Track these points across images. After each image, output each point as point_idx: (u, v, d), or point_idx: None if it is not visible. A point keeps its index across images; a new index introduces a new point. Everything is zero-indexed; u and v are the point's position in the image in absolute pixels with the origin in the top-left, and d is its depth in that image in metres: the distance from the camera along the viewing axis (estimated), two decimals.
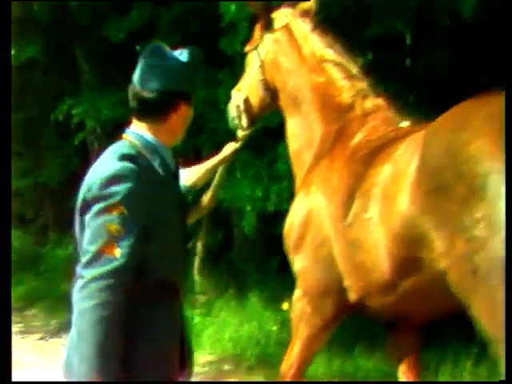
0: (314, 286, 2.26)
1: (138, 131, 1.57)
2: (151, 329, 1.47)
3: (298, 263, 2.31)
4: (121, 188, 1.44)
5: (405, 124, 2.22)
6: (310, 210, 2.28)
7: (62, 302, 5.67)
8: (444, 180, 1.70)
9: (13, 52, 6.13)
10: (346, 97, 2.36)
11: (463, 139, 1.67)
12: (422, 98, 4.22)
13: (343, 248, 2.11)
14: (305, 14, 2.47)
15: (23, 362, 4.31)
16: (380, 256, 1.97)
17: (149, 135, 1.56)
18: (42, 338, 4.99)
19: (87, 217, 1.46)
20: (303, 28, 2.45)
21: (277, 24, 2.49)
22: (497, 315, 1.58)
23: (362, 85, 2.38)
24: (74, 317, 1.43)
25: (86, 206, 1.47)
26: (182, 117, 1.58)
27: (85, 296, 1.40)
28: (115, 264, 1.41)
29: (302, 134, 2.47)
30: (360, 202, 2.05)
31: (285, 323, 4.17)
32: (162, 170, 1.54)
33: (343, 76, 2.38)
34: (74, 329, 1.44)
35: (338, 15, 4.08)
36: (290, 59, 2.46)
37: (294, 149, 2.51)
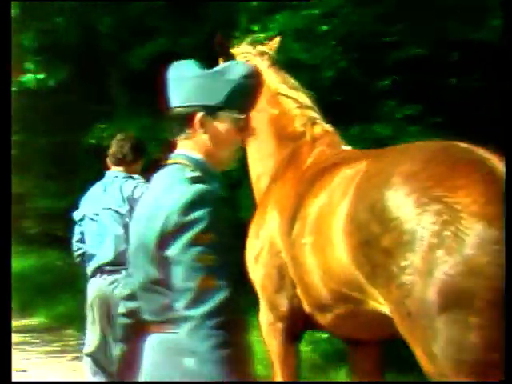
0: (272, 292, 2.47)
1: (185, 152, 1.46)
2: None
3: (258, 273, 2.53)
4: (204, 213, 1.33)
5: (348, 148, 2.54)
6: (266, 227, 2.52)
7: None
8: (371, 234, 1.85)
9: (42, 76, 6.30)
10: (297, 125, 2.65)
11: (387, 198, 1.83)
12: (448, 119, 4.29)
13: (290, 262, 2.32)
14: (263, 53, 2.79)
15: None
16: (316, 280, 2.15)
17: (196, 154, 1.46)
18: (76, 358, 5.07)
19: (172, 252, 1.33)
20: (261, 65, 2.68)
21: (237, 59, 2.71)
22: (432, 354, 1.71)
23: (312, 113, 2.67)
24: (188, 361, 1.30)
25: (168, 238, 1.34)
26: (212, 133, 1.44)
27: (203, 337, 1.30)
28: (221, 296, 1.31)
29: (260, 161, 2.75)
30: (299, 225, 2.25)
31: (318, 343, 4.18)
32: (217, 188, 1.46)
33: (295, 106, 2.68)
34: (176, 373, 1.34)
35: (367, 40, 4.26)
36: None
37: (254, 174, 2.80)
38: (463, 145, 1.86)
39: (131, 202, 3.04)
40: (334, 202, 2.07)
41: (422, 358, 1.78)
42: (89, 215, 3.20)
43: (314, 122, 2.64)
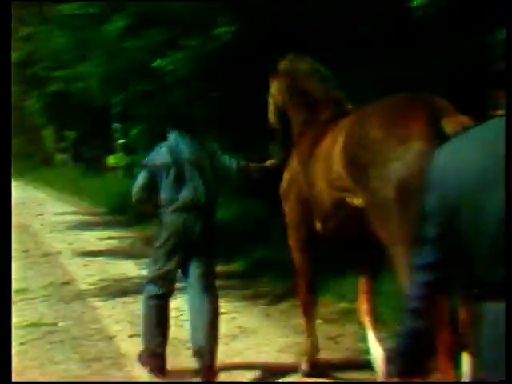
0: (295, 221, 3.63)
1: None
2: None
3: (286, 206, 3.69)
4: None
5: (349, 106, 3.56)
6: (291, 171, 3.62)
7: (288, 270, 5.92)
8: (356, 155, 2.86)
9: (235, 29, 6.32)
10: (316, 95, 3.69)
11: (366, 134, 2.83)
12: None
13: (306, 185, 3.41)
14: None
15: (248, 328, 4.59)
16: (323, 194, 3.22)
17: None
18: (267, 304, 5.23)
19: None
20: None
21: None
22: (390, 230, 2.70)
23: (327, 88, 3.67)
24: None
25: None
26: None
27: None
28: None
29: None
30: (313, 159, 3.32)
31: None
32: None
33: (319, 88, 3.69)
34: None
35: None
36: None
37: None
38: (418, 95, 2.86)
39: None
40: (335, 140, 3.10)
41: (383, 234, 2.77)
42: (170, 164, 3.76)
43: (328, 92, 3.66)
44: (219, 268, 6.43)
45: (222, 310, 4.97)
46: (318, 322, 4.64)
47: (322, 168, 3.20)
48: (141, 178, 3.86)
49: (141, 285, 5.84)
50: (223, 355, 4.00)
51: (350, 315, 4.75)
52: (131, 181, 12.78)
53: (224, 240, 7.38)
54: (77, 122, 16.14)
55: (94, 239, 8.45)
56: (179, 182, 3.76)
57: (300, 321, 4.67)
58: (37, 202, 12.48)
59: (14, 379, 3.66)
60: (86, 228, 9.62)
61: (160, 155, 3.84)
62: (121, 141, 13.57)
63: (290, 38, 5.80)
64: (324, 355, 3.96)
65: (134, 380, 3.67)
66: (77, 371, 3.80)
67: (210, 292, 3.74)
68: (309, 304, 3.77)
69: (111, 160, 13.81)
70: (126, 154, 13.37)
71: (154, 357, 3.65)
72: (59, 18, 8.33)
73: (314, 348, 3.72)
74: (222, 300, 5.23)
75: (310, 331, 3.74)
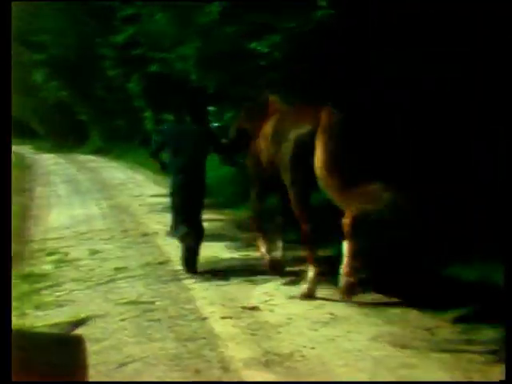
0: (252, 177, 6.02)
1: None
2: None
3: (250, 170, 6.04)
4: None
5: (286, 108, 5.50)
6: (252, 148, 5.83)
7: (380, 259, 5.80)
8: (277, 137, 5.16)
9: (332, 12, 6.24)
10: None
11: (282, 125, 5.15)
12: None
13: (258, 156, 5.62)
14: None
15: (339, 315, 4.54)
16: (264, 157, 5.47)
17: None
18: (359, 292, 5.14)
19: None
20: None
21: None
22: (290, 185, 5.03)
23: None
24: None
25: None
26: None
27: None
28: None
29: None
30: (260, 138, 5.56)
31: None
32: None
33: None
34: None
35: None
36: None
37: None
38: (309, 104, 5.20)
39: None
40: (269, 128, 5.36)
41: (285, 179, 5.05)
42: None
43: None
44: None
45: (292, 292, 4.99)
46: (414, 312, 4.54)
47: (264, 143, 5.44)
48: (153, 143, 6.13)
49: (232, 268, 5.98)
50: (313, 341, 4.01)
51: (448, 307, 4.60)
52: (224, 165, 12.94)
53: (316, 226, 7.38)
54: (174, 104, 16.52)
55: None
56: (177, 151, 5.74)
57: (393, 310, 4.59)
58: (135, 184, 12.96)
59: (112, 354, 3.84)
60: None
61: (169, 130, 6.04)
62: (215, 124, 13.78)
63: (386, 29, 5.66)
64: (420, 346, 3.87)
65: (226, 361, 3.74)
66: (172, 350, 3.92)
67: (200, 224, 5.99)
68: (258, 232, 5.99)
69: None
70: (221, 137, 13.55)
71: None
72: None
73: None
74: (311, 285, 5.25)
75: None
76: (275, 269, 5.70)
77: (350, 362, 3.70)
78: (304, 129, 4.78)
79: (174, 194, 5.82)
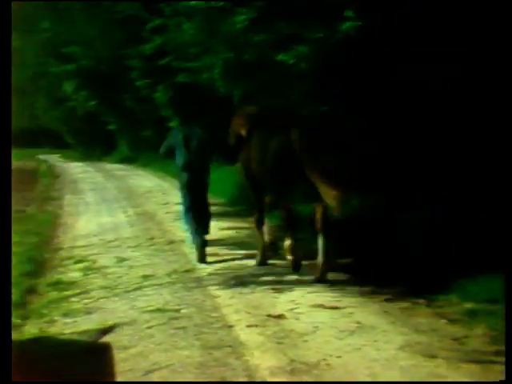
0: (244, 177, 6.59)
1: None
2: None
3: (241, 170, 6.62)
4: None
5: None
6: (243, 154, 6.51)
7: (409, 268, 5.74)
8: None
9: (359, 23, 6.25)
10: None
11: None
12: None
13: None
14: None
15: (366, 324, 4.51)
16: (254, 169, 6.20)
17: None
18: (386, 300, 5.12)
19: None
20: None
21: None
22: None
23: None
24: None
25: None
26: None
27: None
28: None
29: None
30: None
31: None
32: None
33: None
34: None
35: None
36: None
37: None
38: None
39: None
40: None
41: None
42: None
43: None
44: (337, 261, 6.45)
45: (338, 304, 4.97)
46: (442, 322, 4.48)
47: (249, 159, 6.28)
48: (163, 145, 6.95)
49: (257, 276, 5.98)
50: (339, 350, 3.98)
51: (477, 316, 4.54)
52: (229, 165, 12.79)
53: (343, 232, 7.35)
54: (201, 113, 16.61)
55: (213, 229, 8.68)
56: (184, 152, 6.69)
57: (421, 319, 4.54)
58: (162, 192, 13.06)
59: (138, 361, 3.86)
60: None
61: (177, 134, 6.86)
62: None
63: (412, 41, 5.67)
64: (448, 356, 3.82)
65: (251, 370, 3.74)
66: (198, 358, 3.93)
67: (207, 211, 7.05)
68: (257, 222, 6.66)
69: None
70: None
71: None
72: (187, 10, 8.63)
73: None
74: (338, 294, 5.24)
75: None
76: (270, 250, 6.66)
77: (377, 371, 3.66)
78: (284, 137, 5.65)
79: (182, 189, 6.95)
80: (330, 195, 5.23)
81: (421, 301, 5.03)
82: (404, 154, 6.95)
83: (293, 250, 5.88)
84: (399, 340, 4.15)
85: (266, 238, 6.56)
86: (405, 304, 4.97)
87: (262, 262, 6.41)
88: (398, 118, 6.68)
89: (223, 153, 7.26)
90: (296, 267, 5.93)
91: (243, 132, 6.37)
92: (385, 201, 7.53)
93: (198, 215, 6.85)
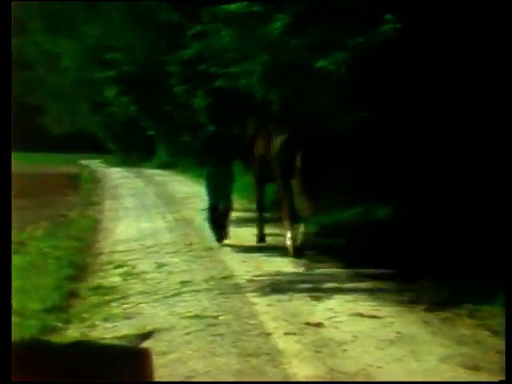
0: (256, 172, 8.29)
1: None
2: None
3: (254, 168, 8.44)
4: None
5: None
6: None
7: (451, 277, 5.64)
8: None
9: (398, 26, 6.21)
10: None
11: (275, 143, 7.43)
12: None
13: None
14: None
15: (406, 334, 4.44)
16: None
17: None
18: (427, 310, 5.03)
19: None
20: None
21: None
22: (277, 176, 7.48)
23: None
24: None
25: None
26: None
27: None
28: None
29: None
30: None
31: None
32: None
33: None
34: None
35: None
36: None
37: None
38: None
39: None
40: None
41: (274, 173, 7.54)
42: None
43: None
44: (375, 270, 6.38)
45: (377, 313, 4.91)
46: (486, 333, 4.38)
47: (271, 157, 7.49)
48: (197, 145, 8.65)
49: (295, 283, 5.96)
50: (379, 360, 3.92)
51: None
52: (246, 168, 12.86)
53: (381, 240, 7.28)
54: (239, 118, 16.68)
55: (250, 236, 8.70)
56: (212, 149, 8.02)
57: (463, 331, 4.45)
58: (200, 198, 13.11)
59: (177, 367, 3.88)
60: (242, 224, 9.93)
61: (208, 132, 8.31)
62: None
63: (452, 44, 5.59)
64: (492, 369, 3.72)
65: (289, 378, 3.72)
66: (236, 365, 3.92)
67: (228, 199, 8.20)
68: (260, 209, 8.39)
69: None
70: None
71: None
72: (225, 16, 8.69)
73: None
74: (377, 303, 5.17)
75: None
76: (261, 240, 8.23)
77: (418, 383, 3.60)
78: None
79: (209, 187, 8.13)
80: (304, 206, 6.86)
81: (462, 311, 4.93)
82: (418, 156, 6.93)
83: (293, 238, 7.10)
84: (440, 351, 4.07)
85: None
86: (445, 314, 4.87)
87: (261, 239, 8.20)
88: (414, 120, 6.68)
89: (241, 155, 8.47)
90: (297, 253, 7.06)
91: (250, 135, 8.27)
92: (407, 205, 7.46)
93: (220, 209, 8.18)
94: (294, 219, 7.08)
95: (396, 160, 7.55)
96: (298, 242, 7.09)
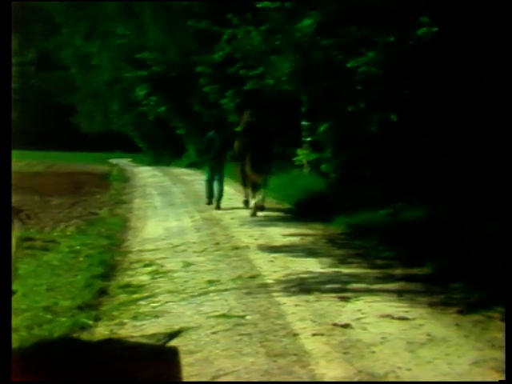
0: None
1: None
2: None
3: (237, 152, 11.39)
4: None
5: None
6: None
7: (483, 279, 5.53)
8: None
9: (435, 29, 6.13)
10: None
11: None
12: None
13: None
14: None
15: (437, 336, 4.36)
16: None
17: None
18: (459, 312, 4.93)
19: None
20: None
21: None
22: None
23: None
24: None
25: None
26: None
27: None
28: None
29: None
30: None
31: None
32: None
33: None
34: None
35: None
36: None
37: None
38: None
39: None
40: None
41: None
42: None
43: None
44: (404, 271, 6.31)
45: (406, 315, 4.83)
46: None
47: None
48: (203, 144, 12.34)
49: (323, 283, 5.91)
50: (409, 363, 3.86)
51: None
52: (317, 178, 12.96)
53: (411, 241, 7.19)
54: (268, 119, 16.71)
55: (278, 235, 8.66)
56: (213, 147, 11.76)
57: (496, 334, 4.35)
58: (227, 197, 13.15)
59: (204, 367, 3.88)
60: (270, 223, 9.90)
61: (210, 136, 11.98)
62: (308, 138, 13.76)
63: (485, 51, 5.49)
64: None
65: (317, 379, 3.68)
66: (263, 365, 3.90)
67: (222, 182, 11.87)
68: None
69: (299, 157, 14.13)
70: (313, 151, 13.53)
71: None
72: (255, 17, 8.69)
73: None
74: (406, 304, 5.10)
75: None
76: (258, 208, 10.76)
77: None
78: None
79: (209, 168, 12.19)
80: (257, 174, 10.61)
81: (495, 314, 4.82)
82: (450, 156, 6.84)
83: (256, 202, 10.68)
84: (473, 355, 3.99)
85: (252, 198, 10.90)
86: (478, 317, 4.78)
87: (246, 202, 11.47)
88: (446, 121, 6.58)
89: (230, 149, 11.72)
90: (256, 211, 10.65)
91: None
92: (454, 208, 7.34)
93: (218, 183, 11.93)
94: (255, 188, 10.73)
95: (428, 160, 7.45)
96: (258, 202, 10.68)
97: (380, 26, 5.90)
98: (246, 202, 11.34)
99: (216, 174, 11.86)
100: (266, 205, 11.41)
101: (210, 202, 12.01)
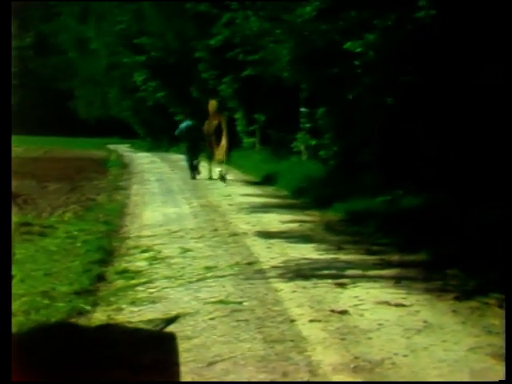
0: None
1: None
2: None
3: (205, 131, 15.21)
4: None
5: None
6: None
7: (480, 265, 5.54)
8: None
9: (433, 12, 6.11)
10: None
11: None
12: None
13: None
14: None
15: (433, 323, 4.37)
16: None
17: None
18: (456, 298, 4.95)
19: None
20: None
21: None
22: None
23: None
24: None
25: None
26: None
27: None
28: None
29: None
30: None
31: None
32: None
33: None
34: None
35: None
36: None
37: None
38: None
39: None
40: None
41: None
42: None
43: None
44: (401, 258, 6.32)
45: (403, 301, 4.84)
46: None
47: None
48: (178, 130, 15.95)
49: (320, 269, 5.92)
50: (405, 349, 3.88)
51: None
52: (315, 165, 12.94)
53: (409, 228, 7.19)
54: (266, 105, 16.68)
55: (275, 222, 8.67)
56: (187, 133, 15.46)
57: (493, 321, 4.37)
58: (226, 183, 13.16)
59: (201, 352, 3.89)
60: (268, 210, 9.90)
61: (185, 124, 15.73)
62: (307, 125, 13.73)
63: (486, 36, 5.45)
64: None
65: (314, 365, 3.69)
66: (260, 351, 3.91)
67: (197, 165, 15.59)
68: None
69: (298, 142, 14.13)
70: (312, 137, 13.50)
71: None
72: (255, 3, 8.63)
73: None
74: (403, 291, 5.11)
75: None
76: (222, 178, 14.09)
77: (445, 372, 3.54)
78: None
79: (186, 152, 15.72)
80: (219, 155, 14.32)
81: (492, 301, 4.84)
82: (449, 144, 6.82)
83: (221, 171, 14.08)
84: (469, 341, 4.00)
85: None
86: (474, 303, 4.79)
87: (192, 177, 15.26)
88: (445, 108, 6.56)
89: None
90: (221, 179, 14.02)
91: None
92: (452, 196, 7.35)
93: (194, 162, 15.46)
94: (219, 162, 14.42)
95: (428, 148, 7.44)
96: (222, 173, 14.04)
97: (379, 10, 5.86)
98: (222, 178, 14.06)
99: (194, 157, 15.42)
100: (263, 191, 11.37)
101: (194, 177, 15.22)
